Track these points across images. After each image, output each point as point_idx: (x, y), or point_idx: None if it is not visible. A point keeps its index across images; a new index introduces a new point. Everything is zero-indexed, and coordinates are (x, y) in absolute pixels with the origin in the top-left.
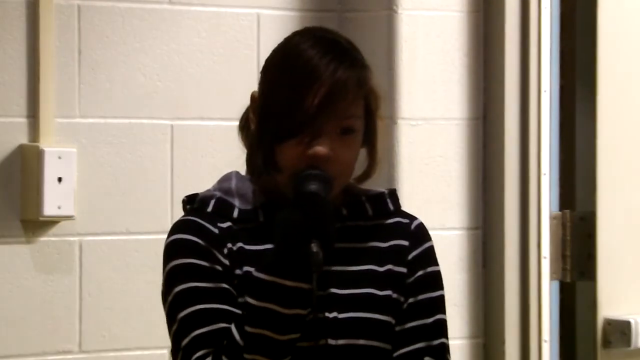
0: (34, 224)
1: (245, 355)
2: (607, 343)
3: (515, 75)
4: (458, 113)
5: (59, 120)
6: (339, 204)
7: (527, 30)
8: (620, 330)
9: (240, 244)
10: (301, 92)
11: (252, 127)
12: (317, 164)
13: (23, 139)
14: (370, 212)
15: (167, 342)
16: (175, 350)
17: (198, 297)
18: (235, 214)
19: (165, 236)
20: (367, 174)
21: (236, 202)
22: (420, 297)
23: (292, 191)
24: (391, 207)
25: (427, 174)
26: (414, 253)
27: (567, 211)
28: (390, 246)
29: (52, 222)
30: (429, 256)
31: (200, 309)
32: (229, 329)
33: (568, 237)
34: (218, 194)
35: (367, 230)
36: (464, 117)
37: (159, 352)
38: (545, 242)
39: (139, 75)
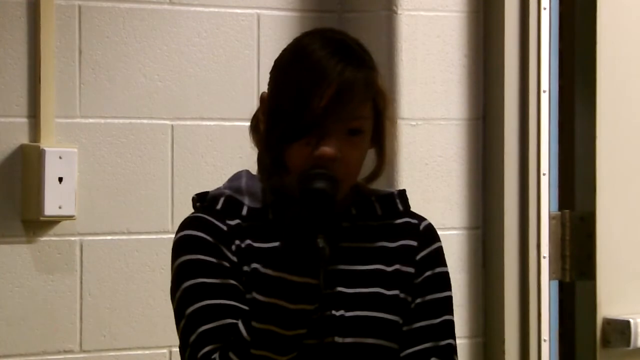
0: (34, 223)
1: (252, 351)
2: (606, 343)
3: (515, 75)
4: (458, 113)
5: (60, 120)
6: (349, 204)
7: (526, 31)
8: (619, 330)
9: (248, 241)
10: (308, 92)
11: (261, 127)
12: (324, 164)
13: (24, 139)
14: (379, 212)
15: (168, 341)
16: (183, 346)
17: (205, 292)
18: (244, 211)
19: (165, 236)
20: (375, 174)
21: (246, 201)
22: (428, 297)
23: (298, 190)
24: (400, 207)
25: (427, 174)
26: (423, 253)
27: (567, 211)
28: (398, 246)
29: (52, 222)
30: (438, 257)
31: (208, 305)
32: (236, 325)
33: (567, 237)
34: (228, 192)
35: (376, 230)
36: (463, 117)
37: (159, 351)
38: (544, 242)
39: (139, 76)
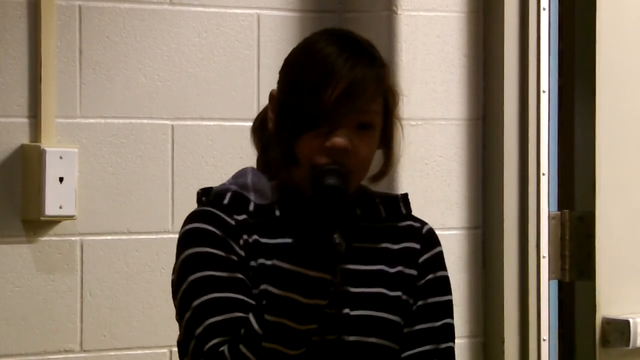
0: (35, 223)
1: (264, 344)
2: (605, 342)
3: (515, 75)
4: (458, 113)
5: (60, 120)
6: (353, 204)
7: (526, 31)
8: (619, 329)
9: (255, 237)
10: (320, 86)
11: (270, 125)
12: (335, 155)
13: (24, 139)
14: (383, 213)
15: (168, 341)
16: (187, 339)
17: (213, 285)
18: (251, 207)
19: (165, 236)
20: (382, 173)
21: (252, 197)
22: (430, 300)
23: (311, 185)
24: (403, 210)
25: (427, 174)
26: (425, 256)
27: (566, 211)
28: (401, 248)
29: (53, 221)
30: (439, 261)
31: (216, 298)
32: (245, 319)
33: (567, 237)
34: (234, 187)
35: (380, 231)
36: (463, 118)
37: (159, 351)
38: (544, 241)
39: (139, 76)
